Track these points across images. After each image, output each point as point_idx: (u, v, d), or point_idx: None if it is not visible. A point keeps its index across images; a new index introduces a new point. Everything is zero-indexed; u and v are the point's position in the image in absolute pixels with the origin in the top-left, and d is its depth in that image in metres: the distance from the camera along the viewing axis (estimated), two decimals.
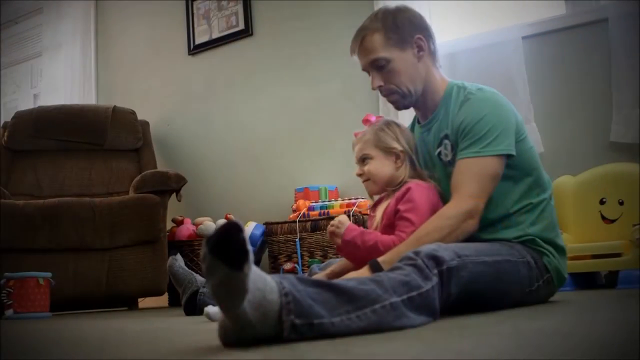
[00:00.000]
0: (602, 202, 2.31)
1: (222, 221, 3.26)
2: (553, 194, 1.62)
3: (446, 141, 1.57)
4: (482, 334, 0.93)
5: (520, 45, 2.68)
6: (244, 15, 3.66)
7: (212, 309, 1.57)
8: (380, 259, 1.40)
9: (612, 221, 2.27)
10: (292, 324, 0.90)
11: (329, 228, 1.59)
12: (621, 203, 2.26)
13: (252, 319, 0.87)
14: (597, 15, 2.56)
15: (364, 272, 1.39)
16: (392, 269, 1.16)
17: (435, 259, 1.18)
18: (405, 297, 1.06)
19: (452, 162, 1.55)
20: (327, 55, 3.32)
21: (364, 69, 1.66)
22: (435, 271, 1.17)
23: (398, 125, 1.67)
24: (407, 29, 1.59)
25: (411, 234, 1.46)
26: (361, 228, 1.58)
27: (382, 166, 1.62)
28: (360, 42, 1.62)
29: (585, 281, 2.22)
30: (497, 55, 2.71)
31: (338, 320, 0.95)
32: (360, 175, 1.66)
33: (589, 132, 2.56)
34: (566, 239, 2.20)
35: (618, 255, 2.13)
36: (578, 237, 2.30)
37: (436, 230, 1.42)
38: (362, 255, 1.52)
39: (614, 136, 2.46)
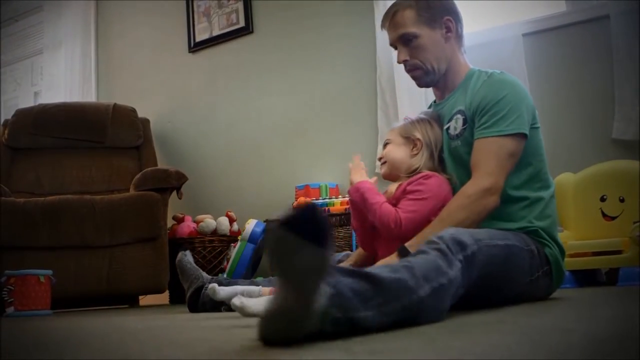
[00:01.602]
0: (602, 199, 2.30)
1: (222, 219, 3.27)
2: (555, 193, 1.64)
3: (458, 115, 1.61)
4: (483, 331, 0.93)
5: (521, 43, 2.68)
6: (244, 13, 3.66)
7: (247, 301, 1.27)
8: (407, 244, 1.43)
9: (613, 218, 2.27)
10: (334, 318, 0.88)
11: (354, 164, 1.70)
12: (622, 200, 2.26)
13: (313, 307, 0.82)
14: (598, 12, 2.56)
15: (392, 258, 1.42)
16: (418, 253, 1.15)
17: (460, 244, 1.18)
18: (435, 284, 1.05)
19: (458, 136, 1.59)
20: (328, 53, 3.31)
21: (391, 44, 1.70)
22: (461, 256, 1.16)
23: (430, 123, 1.69)
24: (439, 10, 1.66)
25: (407, 216, 1.51)
26: (372, 186, 1.62)
27: (397, 150, 1.68)
28: (392, 17, 1.67)
29: (585, 278, 2.22)
30: (497, 52, 2.71)
31: (370, 315, 0.93)
32: (380, 158, 1.74)
33: (590, 129, 2.55)
34: (567, 236, 2.21)
35: (618, 252, 2.13)
36: (579, 234, 2.30)
37: (459, 208, 1.46)
38: (359, 210, 1.63)
39: (615, 133, 2.45)
